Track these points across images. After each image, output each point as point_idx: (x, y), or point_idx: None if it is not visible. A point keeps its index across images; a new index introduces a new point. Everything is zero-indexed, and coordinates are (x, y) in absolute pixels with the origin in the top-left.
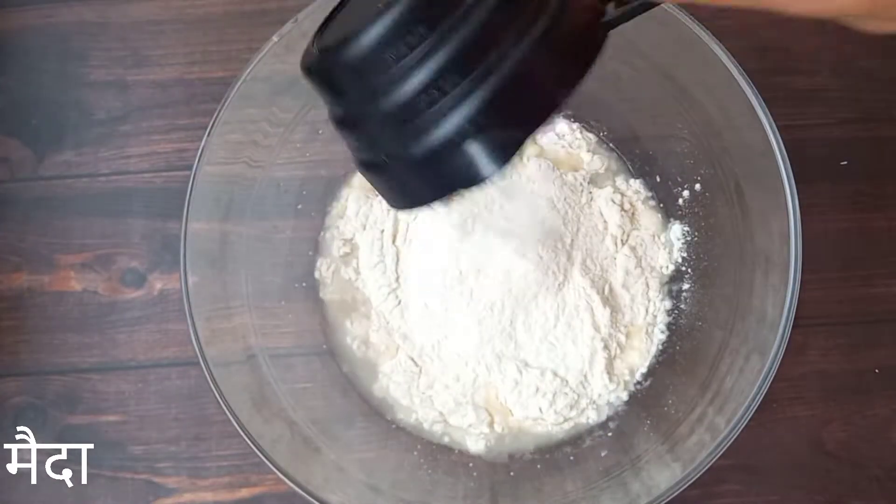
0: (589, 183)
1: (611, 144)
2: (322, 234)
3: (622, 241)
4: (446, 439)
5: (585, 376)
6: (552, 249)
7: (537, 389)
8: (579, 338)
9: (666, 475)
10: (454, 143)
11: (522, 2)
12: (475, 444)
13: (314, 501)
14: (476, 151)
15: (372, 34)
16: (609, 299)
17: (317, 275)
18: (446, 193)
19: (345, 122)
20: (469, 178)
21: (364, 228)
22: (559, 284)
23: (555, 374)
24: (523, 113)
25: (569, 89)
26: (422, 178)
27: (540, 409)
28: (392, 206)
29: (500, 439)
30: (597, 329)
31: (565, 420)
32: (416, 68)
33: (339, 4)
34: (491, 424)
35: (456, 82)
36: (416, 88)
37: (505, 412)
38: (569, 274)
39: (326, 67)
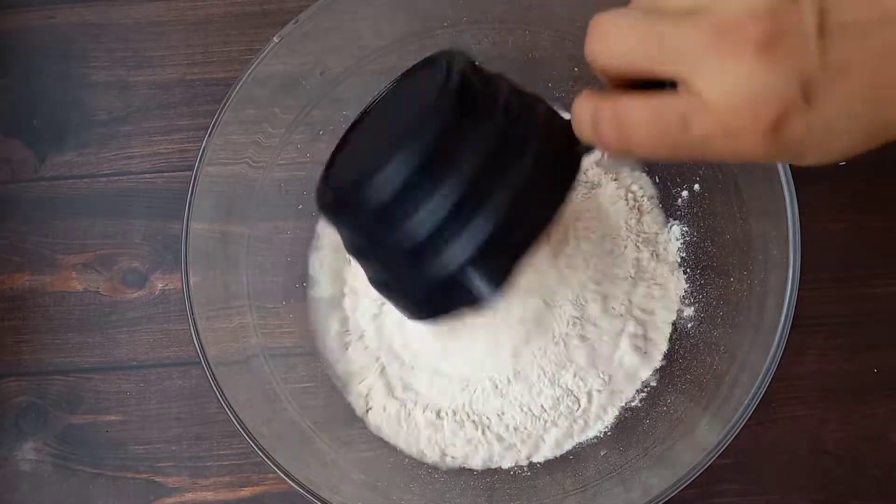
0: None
1: None
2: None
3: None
4: (448, 460)
5: (590, 394)
6: (552, 254)
7: (541, 413)
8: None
9: (664, 474)
10: (455, 275)
11: (510, 142)
12: (474, 461)
13: (315, 501)
14: (475, 279)
15: (378, 186)
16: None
17: (311, 271)
18: (450, 311)
19: (359, 251)
20: (470, 301)
21: None
22: (560, 296)
23: (558, 402)
24: (515, 243)
25: (553, 213)
26: (428, 299)
27: (542, 436)
28: (404, 315)
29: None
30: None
31: (566, 437)
32: (420, 213)
33: (348, 131)
34: (491, 454)
35: (457, 224)
36: (419, 231)
37: (507, 439)
38: (570, 285)
39: (337, 208)
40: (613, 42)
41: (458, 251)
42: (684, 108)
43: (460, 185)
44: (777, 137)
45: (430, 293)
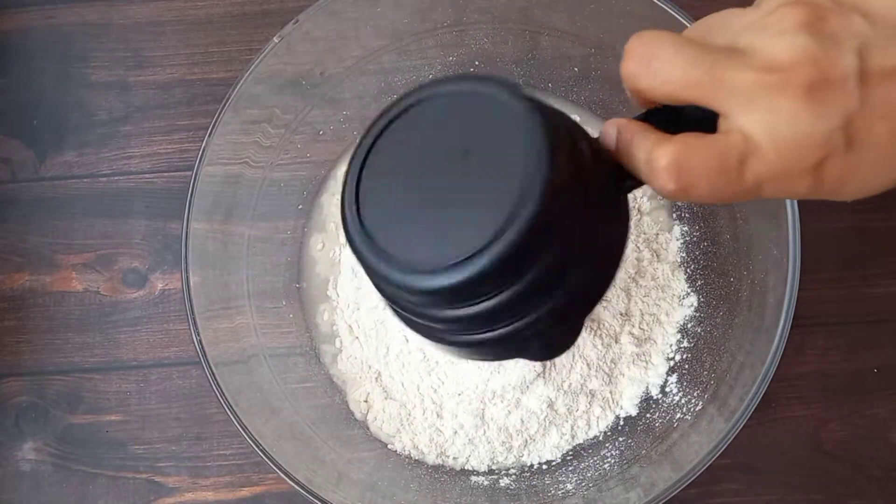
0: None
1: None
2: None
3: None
4: (450, 462)
5: (591, 394)
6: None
7: (541, 413)
8: (590, 356)
9: (664, 474)
10: (519, 344)
11: (586, 210)
12: (474, 461)
13: (315, 501)
14: (546, 342)
15: (464, 281)
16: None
17: (313, 252)
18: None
19: (402, 308)
20: (533, 356)
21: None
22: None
23: (558, 402)
24: (588, 304)
25: (617, 267)
26: (483, 353)
27: (543, 436)
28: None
29: (503, 457)
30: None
31: (567, 437)
32: (499, 298)
33: (370, 151)
34: (493, 454)
35: (523, 310)
36: (486, 316)
37: (507, 441)
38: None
39: (392, 286)
40: (663, 65)
41: (531, 324)
42: (742, 150)
43: (549, 267)
44: (818, 177)
45: (491, 351)
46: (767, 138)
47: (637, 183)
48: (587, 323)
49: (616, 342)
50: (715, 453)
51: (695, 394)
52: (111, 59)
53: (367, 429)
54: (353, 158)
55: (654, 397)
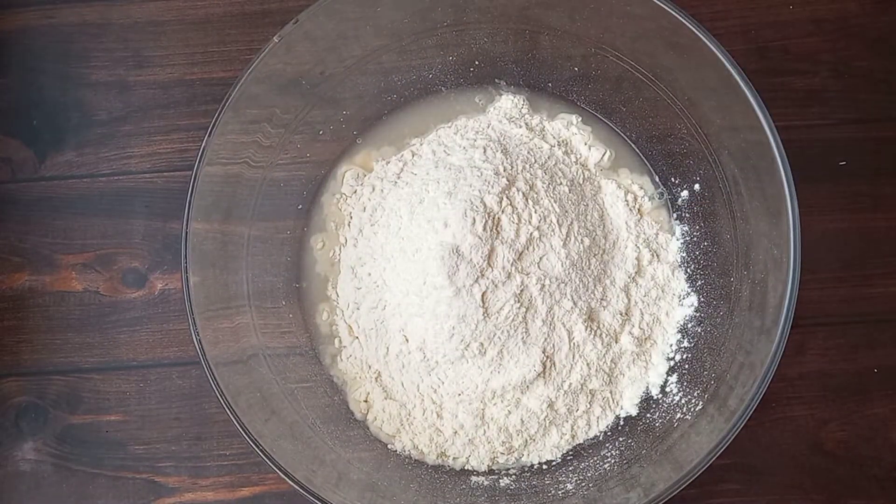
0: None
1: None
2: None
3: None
4: (450, 462)
5: (591, 394)
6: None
7: (542, 414)
8: (589, 355)
9: (665, 474)
10: None
11: None
12: (474, 461)
13: (314, 501)
14: None
15: None
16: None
17: (313, 251)
18: None
19: None
20: None
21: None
22: (561, 295)
23: (559, 403)
24: None
25: None
26: None
27: (543, 436)
28: None
29: (503, 457)
30: (607, 347)
31: (567, 437)
32: None
33: None
34: (493, 454)
35: None
36: None
37: (507, 441)
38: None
39: None
40: None
41: None
42: None
43: None
44: None
45: None
46: None
47: None
48: (587, 323)
49: (616, 342)
50: (715, 453)
51: (695, 394)
52: (111, 59)
53: (367, 429)
54: None
55: (655, 397)
